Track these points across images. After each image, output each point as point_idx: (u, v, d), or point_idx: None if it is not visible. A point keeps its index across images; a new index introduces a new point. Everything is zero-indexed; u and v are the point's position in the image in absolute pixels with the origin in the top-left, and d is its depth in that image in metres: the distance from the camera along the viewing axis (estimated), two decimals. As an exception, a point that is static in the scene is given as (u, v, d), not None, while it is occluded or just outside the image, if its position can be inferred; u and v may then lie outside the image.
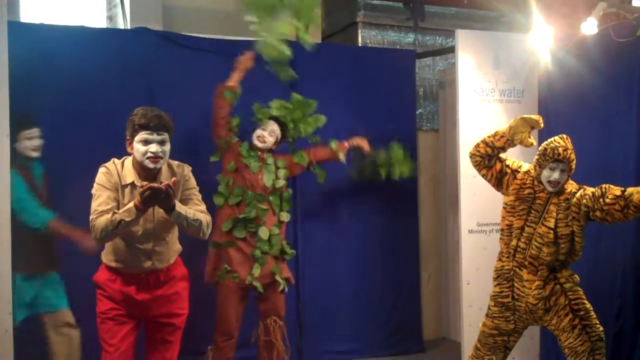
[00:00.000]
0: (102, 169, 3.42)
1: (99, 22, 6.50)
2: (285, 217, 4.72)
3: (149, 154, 3.35)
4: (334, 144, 4.93)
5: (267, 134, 4.68)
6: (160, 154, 3.38)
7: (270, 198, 4.62)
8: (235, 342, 4.57)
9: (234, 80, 4.60)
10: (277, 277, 4.59)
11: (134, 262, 3.45)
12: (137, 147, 3.37)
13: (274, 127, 4.71)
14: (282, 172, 4.71)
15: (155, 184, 3.12)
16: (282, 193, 4.72)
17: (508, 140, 3.93)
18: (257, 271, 4.51)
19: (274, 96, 4.90)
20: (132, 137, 3.39)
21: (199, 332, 4.65)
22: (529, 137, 3.94)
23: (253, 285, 4.52)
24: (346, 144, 5.02)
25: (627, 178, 4.49)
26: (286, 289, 4.67)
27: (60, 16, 6.15)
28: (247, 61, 4.61)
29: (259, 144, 4.65)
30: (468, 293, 5.27)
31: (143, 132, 3.35)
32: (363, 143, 5.11)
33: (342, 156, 4.95)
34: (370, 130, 5.26)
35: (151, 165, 3.37)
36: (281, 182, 4.68)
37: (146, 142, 3.35)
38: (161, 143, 3.38)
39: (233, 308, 4.54)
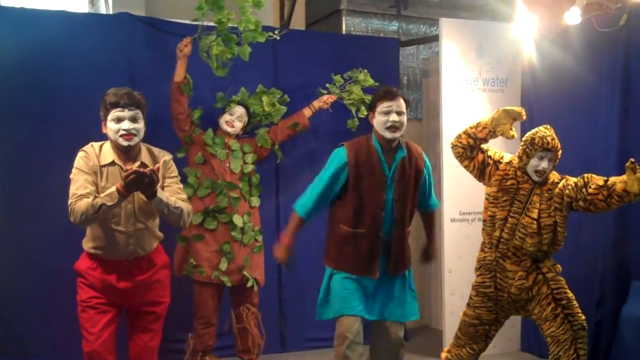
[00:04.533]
0: (80, 153, 3.42)
1: (81, 6, 6.43)
2: (255, 202, 4.74)
3: (121, 132, 3.37)
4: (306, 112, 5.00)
5: (235, 119, 4.67)
6: (133, 131, 3.39)
7: (240, 184, 4.61)
8: (215, 329, 4.58)
9: (181, 72, 4.52)
10: (245, 273, 4.58)
11: (114, 248, 3.42)
12: (110, 126, 3.39)
13: (241, 112, 4.72)
14: (249, 157, 4.73)
15: (140, 169, 3.11)
16: (251, 178, 4.71)
17: (490, 131, 3.91)
18: (224, 265, 4.51)
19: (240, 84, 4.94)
20: (105, 116, 3.41)
21: (181, 319, 4.64)
22: (511, 129, 3.93)
23: (221, 280, 4.52)
24: (311, 109, 5.03)
25: (609, 167, 4.52)
26: (255, 287, 4.65)
27: (41, 0, 6.07)
28: (187, 48, 4.49)
29: (228, 129, 4.65)
30: (450, 281, 5.29)
31: (114, 110, 3.37)
32: (328, 100, 5.08)
33: (308, 113, 4.98)
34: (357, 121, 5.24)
35: (125, 143, 3.37)
36: (250, 167, 4.69)
37: (118, 120, 3.37)
38: (133, 120, 3.39)
39: (209, 296, 4.55)
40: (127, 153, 3.44)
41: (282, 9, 6.91)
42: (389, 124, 3.68)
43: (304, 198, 3.83)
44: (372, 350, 3.97)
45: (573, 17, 4.75)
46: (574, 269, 4.65)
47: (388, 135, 3.69)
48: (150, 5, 6.40)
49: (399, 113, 3.70)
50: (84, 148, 3.44)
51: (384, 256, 3.79)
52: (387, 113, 3.68)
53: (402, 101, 3.74)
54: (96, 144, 3.47)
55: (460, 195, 5.26)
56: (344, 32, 6.47)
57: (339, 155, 3.75)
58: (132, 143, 3.39)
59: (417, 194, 3.90)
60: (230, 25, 4.44)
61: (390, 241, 3.78)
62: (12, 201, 4.64)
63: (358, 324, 3.71)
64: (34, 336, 4.71)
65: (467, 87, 5.37)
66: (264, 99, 4.90)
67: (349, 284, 3.75)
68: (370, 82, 5.18)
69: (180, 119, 4.56)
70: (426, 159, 3.94)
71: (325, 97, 5.05)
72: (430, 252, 4.24)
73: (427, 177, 3.91)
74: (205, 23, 4.48)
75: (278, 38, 4.74)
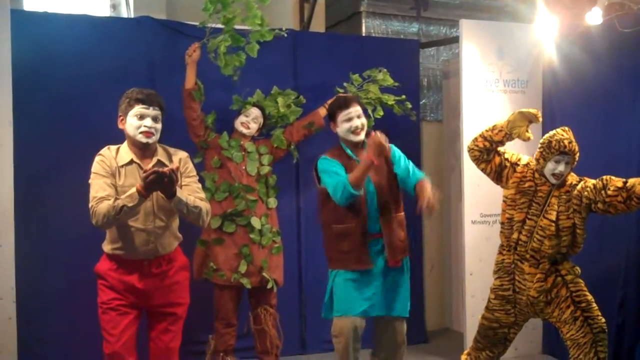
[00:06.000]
0: (97, 158, 3.45)
1: (102, 10, 6.49)
2: (273, 203, 4.74)
3: (142, 128, 3.40)
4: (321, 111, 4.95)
5: (251, 120, 4.69)
6: (153, 130, 3.42)
7: (257, 186, 4.63)
8: (235, 330, 4.61)
9: (192, 78, 4.55)
10: (265, 274, 4.59)
11: (134, 246, 3.43)
12: (131, 122, 3.41)
13: (257, 113, 4.73)
14: (266, 158, 4.74)
15: (159, 169, 3.13)
16: (268, 179, 4.73)
17: (506, 134, 3.91)
18: (243, 268, 4.53)
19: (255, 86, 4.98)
20: (126, 112, 3.44)
21: (201, 321, 4.67)
22: (527, 131, 3.92)
23: (240, 282, 4.54)
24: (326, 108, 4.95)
25: (631, 169, 4.48)
26: (275, 289, 4.67)
27: (63, 4, 6.13)
28: (195, 54, 4.53)
29: (244, 130, 4.67)
30: (471, 284, 5.27)
31: (139, 106, 3.40)
32: None
33: (324, 112, 4.89)
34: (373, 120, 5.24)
35: (144, 140, 3.40)
36: (266, 169, 4.70)
37: (141, 117, 3.41)
38: (155, 119, 3.44)
39: (229, 299, 4.57)
40: (144, 151, 3.47)
41: (302, 12, 6.92)
42: (353, 129, 3.96)
43: (339, 181, 3.80)
44: (375, 346, 4.14)
45: (594, 17, 4.71)
46: (596, 270, 4.61)
47: (354, 138, 3.99)
48: (171, 9, 6.44)
49: (359, 116, 4.00)
50: (101, 152, 3.47)
51: (380, 245, 3.94)
52: (349, 120, 3.97)
53: (358, 105, 4.04)
54: (113, 147, 3.50)
55: (481, 197, 5.23)
56: (364, 34, 6.47)
57: (327, 159, 3.99)
58: (150, 141, 3.43)
59: (394, 179, 4.04)
60: (237, 27, 4.45)
61: (382, 228, 3.94)
62: (34, 204, 4.69)
63: (357, 323, 3.92)
64: (55, 337, 4.76)
65: (488, 88, 5.35)
66: (279, 100, 4.91)
67: (350, 286, 3.92)
68: (390, 81, 5.15)
69: (195, 125, 4.59)
70: (392, 145, 4.07)
71: None
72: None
73: (399, 158, 4.07)
74: (212, 25, 4.50)
75: (285, 35, 4.74)
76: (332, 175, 3.86)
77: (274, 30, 4.61)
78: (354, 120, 3.95)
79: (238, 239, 4.57)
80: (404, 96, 5.18)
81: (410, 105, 5.24)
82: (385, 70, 5.19)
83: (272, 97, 4.97)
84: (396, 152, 4.09)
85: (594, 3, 4.73)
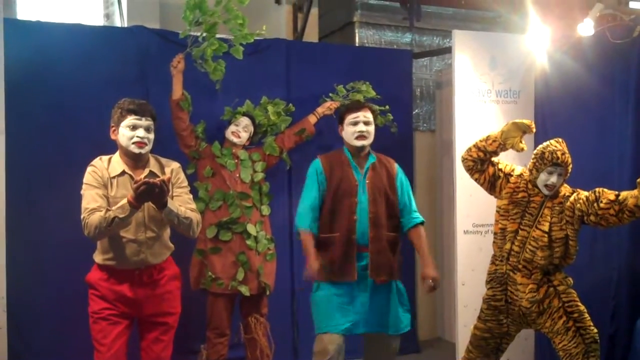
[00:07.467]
0: (89, 169, 3.44)
1: (96, 20, 6.50)
2: (266, 210, 4.76)
3: (135, 139, 3.40)
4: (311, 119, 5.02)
5: (242, 129, 4.71)
6: (146, 140, 3.43)
7: (251, 193, 4.63)
8: (228, 340, 4.59)
9: (178, 89, 4.55)
10: (263, 281, 4.60)
11: (125, 256, 3.43)
12: (124, 132, 3.41)
13: (247, 122, 4.75)
14: (259, 165, 4.76)
15: (150, 179, 3.12)
16: (261, 187, 4.74)
17: (500, 144, 3.92)
18: (240, 275, 4.53)
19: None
20: (119, 123, 3.43)
21: (192, 331, 4.66)
22: (521, 142, 3.93)
23: (238, 290, 4.54)
24: (316, 115, 5.05)
25: (623, 181, 4.50)
26: (268, 294, 4.69)
27: (57, 14, 6.14)
28: (180, 64, 4.53)
29: (234, 139, 4.68)
30: (463, 294, 5.26)
31: (132, 117, 3.40)
32: (332, 106, 5.10)
33: (314, 120, 5.01)
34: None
35: (136, 151, 3.40)
36: (259, 175, 4.73)
37: (134, 127, 3.40)
38: (147, 130, 3.44)
39: (223, 307, 4.56)
40: (136, 161, 3.47)
41: (295, 22, 6.94)
42: (357, 134, 3.92)
43: (301, 213, 4.00)
44: (365, 358, 4.09)
45: (586, 28, 4.74)
46: (588, 280, 4.61)
47: (357, 143, 3.94)
48: (165, 18, 6.45)
49: (366, 123, 3.96)
50: (93, 162, 3.47)
51: (365, 261, 3.89)
52: (355, 123, 3.95)
53: (368, 111, 3.99)
54: (105, 157, 3.50)
55: (473, 207, 5.23)
56: (357, 44, 6.48)
57: (316, 166, 4.02)
58: (143, 151, 3.43)
59: (395, 200, 4.02)
60: (218, 36, 4.47)
61: (368, 244, 3.88)
62: (26, 212, 4.67)
63: (340, 341, 3.82)
64: (46, 346, 4.73)
65: (480, 98, 5.36)
66: (269, 108, 4.94)
67: (334, 301, 3.84)
68: (372, 94, 5.22)
69: (184, 136, 4.60)
70: (398, 167, 4.12)
71: (328, 104, 5.09)
72: (430, 275, 3.93)
73: (402, 184, 4.06)
74: (195, 34, 4.52)
75: (264, 34, 4.75)
76: (308, 190, 3.97)
77: (254, 33, 4.61)
78: (359, 125, 3.93)
79: (235, 247, 4.57)
80: (387, 106, 5.22)
81: (391, 117, 5.31)
82: (367, 83, 5.26)
83: (261, 106, 4.99)
84: (401, 178, 4.08)
85: (585, 14, 4.76)
